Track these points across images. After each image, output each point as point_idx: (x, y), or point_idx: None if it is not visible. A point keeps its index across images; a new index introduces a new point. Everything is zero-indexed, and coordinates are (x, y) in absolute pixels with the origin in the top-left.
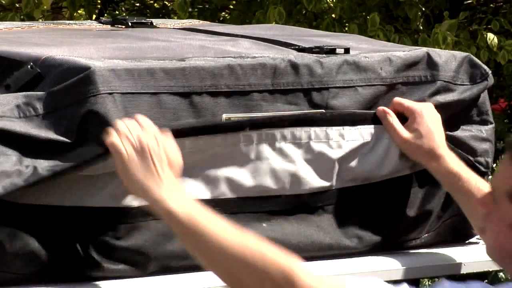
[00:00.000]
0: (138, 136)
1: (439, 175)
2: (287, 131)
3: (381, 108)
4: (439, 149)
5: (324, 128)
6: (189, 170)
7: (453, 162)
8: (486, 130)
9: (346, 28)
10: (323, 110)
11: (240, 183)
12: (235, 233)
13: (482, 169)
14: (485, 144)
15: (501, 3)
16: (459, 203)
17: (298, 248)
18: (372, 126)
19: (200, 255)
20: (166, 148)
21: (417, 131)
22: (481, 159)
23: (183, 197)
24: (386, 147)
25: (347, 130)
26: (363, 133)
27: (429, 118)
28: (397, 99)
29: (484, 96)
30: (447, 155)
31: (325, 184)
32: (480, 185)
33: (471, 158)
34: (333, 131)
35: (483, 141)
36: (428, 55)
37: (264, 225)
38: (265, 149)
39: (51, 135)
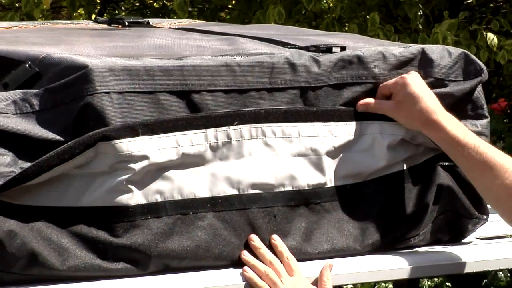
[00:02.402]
0: (285, 281)
1: (441, 144)
2: (277, 128)
3: (359, 103)
4: (433, 115)
5: (312, 123)
6: (186, 169)
7: (454, 127)
8: (481, 124)
9: (346, 28)
10: (315, 108)
11: (238, 180)
12: None
13: None
14: (480, 138)
15: (501, 3)
16: (470, 179)
17: (300, 247)
18: (359, 122)
19: None
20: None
21: (405, 98)
22: None
23: None
24: (374, 142)
25: (334, 126)
26: (350, 129)
27: (414, 83)
28: (381, 84)
29: (479, 91)
30: (445, 120)
31: (320, 180)
32: (496, 155)
33: None
34: (321, 127)
35: (478, 135)
36: (423, 51)
37: (268, 221)
38: (258, 145)
39: (47, 134)
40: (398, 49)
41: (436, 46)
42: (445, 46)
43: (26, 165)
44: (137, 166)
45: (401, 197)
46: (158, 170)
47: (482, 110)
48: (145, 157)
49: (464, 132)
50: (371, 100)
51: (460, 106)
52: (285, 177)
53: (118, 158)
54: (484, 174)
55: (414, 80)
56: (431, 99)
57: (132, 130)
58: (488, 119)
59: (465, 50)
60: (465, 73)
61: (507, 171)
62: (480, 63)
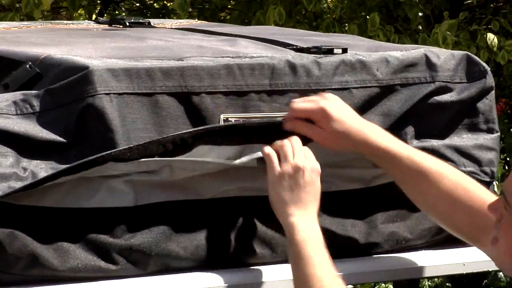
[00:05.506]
0: (296, 156)
1: (374, 159)
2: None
3: (286, 119)
4: (360, 134)
5: None
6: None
7: (384, 140)
8: (492, 139)
9: (346, 28)
10: None
11: (239, 183)
12: (327, 272)
13: (487, 179)
14: (490, 154)
15: (501, 3)
16: (405, 190)
17: None
18: None
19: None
20: (316, 180)
21: (329, 124)
22: (487, 169)
23: (312, 228)
24: None
25: None
26: None
27: (332, 108)
28: (298, 108)
29: (491, 104)
30: (374, 135)
31: (322, 185)
32: (431, 163)
33: (477, 168)
34: None
35: (488, 150)
36: (426, 56)
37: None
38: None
39: (48, 135)
40: (400, 52)
41: (439, 50)
42: (448, 50)
43: (28, 165)
44: (138, 170)
45: (406, 204)
46: (160, 173)
47: (493, 124)
48: (149, 165)
49: (395, 143)
50: (301, 122)
51: (468, 115)
52: None
53: (122, 167)
54: (420, 184)
55: (332, 105)
56: (354, 118)
57: (145, 151)
58: (498, 134)
59: (467, 52)
60: (469, 75)
61: (444, 178)
62: (484, 64)
